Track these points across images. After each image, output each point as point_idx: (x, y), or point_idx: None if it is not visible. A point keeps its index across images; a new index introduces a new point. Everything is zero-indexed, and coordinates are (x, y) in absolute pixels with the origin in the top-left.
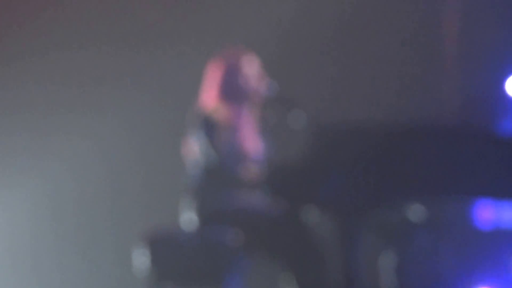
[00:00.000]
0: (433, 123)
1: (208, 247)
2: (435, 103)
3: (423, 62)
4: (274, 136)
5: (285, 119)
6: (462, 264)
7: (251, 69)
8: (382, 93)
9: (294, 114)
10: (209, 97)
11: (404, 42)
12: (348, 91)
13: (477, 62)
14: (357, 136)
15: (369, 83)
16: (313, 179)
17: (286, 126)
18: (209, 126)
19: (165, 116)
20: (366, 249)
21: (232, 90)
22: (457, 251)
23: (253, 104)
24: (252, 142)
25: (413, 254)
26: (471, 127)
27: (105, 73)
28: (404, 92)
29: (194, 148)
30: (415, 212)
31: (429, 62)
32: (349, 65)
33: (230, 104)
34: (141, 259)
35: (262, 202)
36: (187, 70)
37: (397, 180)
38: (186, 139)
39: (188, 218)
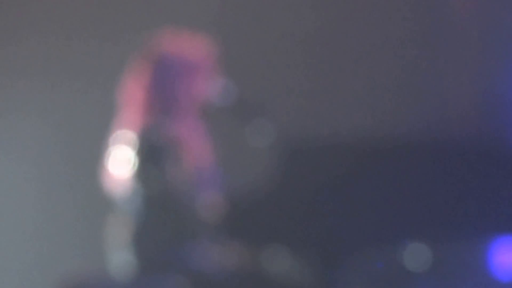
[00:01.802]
0: (436, 135)
1: None
2: (436, 111)
3: (418, 64)
4: (231, 155)
5: (247, 133)
6: None
7: (199, 63)
8: (372, 100)
9: (258, 126)
10: (138, 102)
11: (393, 41)
12: (328, 97)
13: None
14: (338, 155)
15: (354, 87)
16: (281, 212)
17: (247, 142)
18: (147, 145)
19: (78, 131)
20: None
21: (172, 93)
22: None
23: (203, 113)
24: (203, 163)
25: None
26: (485, 142)
27: None
28: (401, 98)
29: (123, 169)
30: (414, 255)
31: (425, 64)
32: (331, 64)
33: (170, 112)
34: None
35: (217, 243)
36: (103, 68)
37: (390, 212)
38: (109, 156)
39: (121, 263)
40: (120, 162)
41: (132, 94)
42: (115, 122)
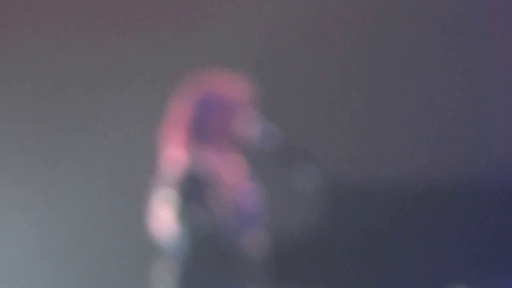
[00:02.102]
0: (479, 183)
1: None
2: (481, 160)
3: (464, 112)
4: (275, 199)
5: (292, 177)
6: None
7: (239, 102)
8: (419, 146)
9: (304, 170)
10: (182, 141)
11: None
12: (373, 141)
13: None
14: (383, 200)
15: (401, 132)
16: (327, 257)
17: (292, 186)
18: (190, 184)
19: (120, 176)
20: None
21: (212, 130)
22: None
23: (245, 153)
24: (246, 202)
25: None
26: None
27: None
28: (447, 147)
29: (169, 213)
30: None
31: (471, 112)
32: (377, 109)
33: (214, 148)
34: None
35: (262, 285)
36: (145, 106)
37: (435, 257)
38: (155, 205)
39: None
40: (164, 203)
41: (174, 131)
42: (158, 162)
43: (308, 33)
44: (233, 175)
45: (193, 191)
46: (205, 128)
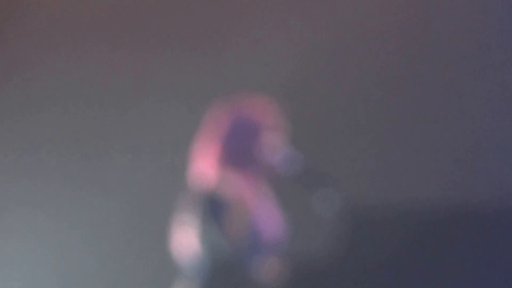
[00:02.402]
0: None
1: None
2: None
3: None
4: (298, 222)
5: (313, 202)
6: None
7: (271, 129)
8: (440, 170)
9: (324, 195)
10: (209, 162)
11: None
12: (394, 166)
13: None
14: (404, 226)
15: (421, 157)
16: (346, 283)
17: (313, 210)
18: (213, 204)
19: (147, 195)
20: None
21: (242, 155)
22: None
23: (272, 177)
24: (271, 228)
25: None
26: None
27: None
28: (469, 171)
29: (190, 235)
30: None
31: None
32: (396, 133)
33: (241, 174)
34: None
35: None
36: (176, 128)
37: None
38: (177, 224)
39: None
40: (187, 224)
41: (203, 153)
42: (184, 184)
43: (334, 58)
44: (256, 201)
45: (215, 214)
46: (233, 152)
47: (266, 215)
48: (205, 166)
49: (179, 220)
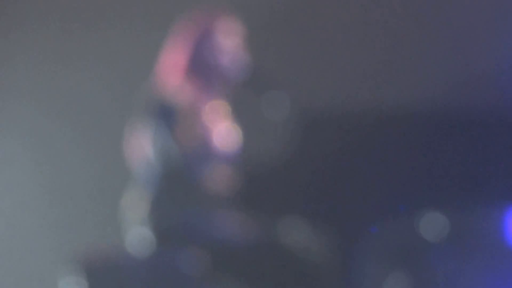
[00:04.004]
0: (452, 102)
1: (164, 276)
2: (454, 84)
3: (433, 36)
4: (248, 126)
5: (262, 105)
6: None
7: (229, 37)
8: (387, 70)
9: (274, 97)
10: (168, 72)
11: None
12: (342, 68)
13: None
14: (356, 127)
15: (370, 58)
16: (299, 183)
17: (265, 114)
18: (167, 112)
19: (103, 100)
20: (369, 273)
21: (201, 64)
22: (483, 275)
23: (225, 85)
24: (222, 134)
25: (428, 278)
26: (501, 109)
27: None
28: (419, 71)
29: (145, 143)
30: (430, 224)
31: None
32: (346, 35)
33: (197, 82)
34: None
35: (234, 215)
36: (138, 38)
37: (406, 183)
38: (131, 131)
39: (137, 237)
40: (141, 131)
41: (165, 67)
42: (140, 96)
43: None
44: (209, 109)
45: (167, 121)
46: (192, 62)
47: (217, 120)
48: (164, 76)
49: (133, 126)
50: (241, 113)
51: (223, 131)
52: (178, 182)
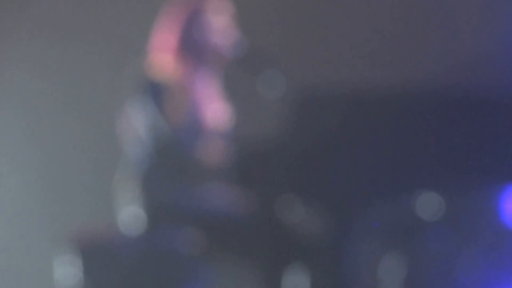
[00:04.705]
0: (447, 83)
1: (158, 254)
2: (452, 63)
3: (428, 16)
4: (243, 105)
5: (258, 83)
6: (485, 271)
7: (220, 16)
8: (384, 49)
9: (269, 76)
10: (159, 50)
11: None
12: (338, 47)
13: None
14: (351, 107)
15: (366, 37)
16: (294, 162)
17: (258, 92)
18: (158, 90)
19: (94, 79)
20: (365, 253)
21: (192, 42)
22: (479, 255)
23: (218, 63)
24: (215, 112)
25: (424, 258)
26: (497, 90)
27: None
28: (417, 49)
29: (136, 121)
30: (426, 204)
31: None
32: (342, 14)
33: (188, 61)
34: (65, 269)
35: (228, 192)
36: (128, 14)
37: (402, 164)
38: (123, 109)
39: (130, 216)
40: (132, 111)
41: (157, 45)
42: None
43: None
44: (199, 85)
45: (157, 98)
46: (189, 39)
47: (209, 99)
48: (155, 56)
49: (124, 105)
50: (235, 92)
51: (215, 108)
52: (170, 160)
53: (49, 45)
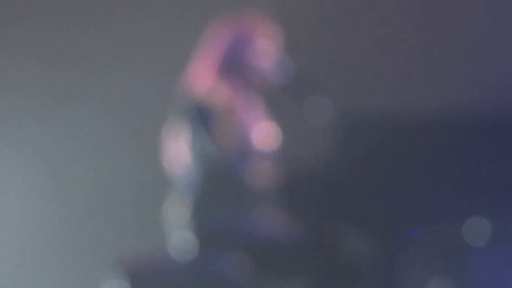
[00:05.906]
0: (497, 111)
1: (207, 279)
2: (497, 86)
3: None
4: (290, 130)
5: (304, 109)
6: None
7: (266, 41)
8: (434, 74)
9: (316, 102)
10: (204, 73)
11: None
12: (386, 74)
13: None
14: (397, 131)
15: (415, 62)
16: (341, 187)
17: (306, 117)
18: (206, 114)
19: (140, 105)
20: (411, 276)
21: (237, 66)
22: None
23: (264, 87)
24: (261, 136)
25: (470, 283)
26: None
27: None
28: (465, 75)
29: (183, 147)
30: (473, 228)
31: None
32: (390, 41)
33: (234, 83)
34: None
35: (276, 217)
36: (173, 39)
37: (449, 188)
38: (169, 135)
39: (180, 240)
40: (177, 136)
41: (199, 67)
42: (175, 97)
43: None
44: (247, 109)
45: (204, 123)
46: (228, 63)
47: (257, 124)
48: (199, 78)
49: (171, 132)
50: (282, 116)
51: (262, 131)
52: (219, 184)
53: (94, 68)
